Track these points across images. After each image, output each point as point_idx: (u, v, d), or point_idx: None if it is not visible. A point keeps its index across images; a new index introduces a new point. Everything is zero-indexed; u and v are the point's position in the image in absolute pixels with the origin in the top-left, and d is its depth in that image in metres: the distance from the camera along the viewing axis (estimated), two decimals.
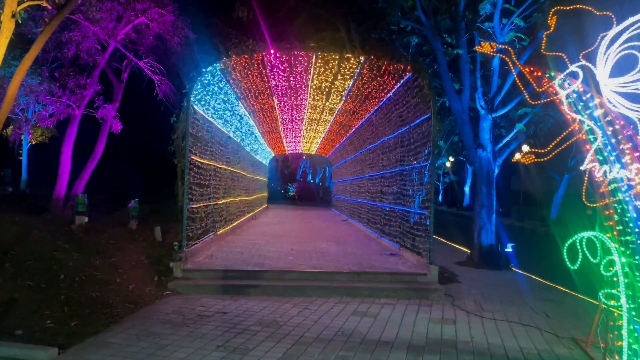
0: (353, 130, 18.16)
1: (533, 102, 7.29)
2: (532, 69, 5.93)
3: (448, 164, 43.24)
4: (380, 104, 12.88)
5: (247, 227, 18.22)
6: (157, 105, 14.04)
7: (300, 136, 23.63)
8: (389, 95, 11.78)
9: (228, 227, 14.61)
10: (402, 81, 10.43)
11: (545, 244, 22.11)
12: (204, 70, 9.71)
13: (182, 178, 9.65)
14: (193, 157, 10.15)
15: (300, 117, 17.82)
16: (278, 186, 52.72)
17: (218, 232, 13.02)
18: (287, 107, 15.67)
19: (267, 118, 17.50)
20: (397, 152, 12.90)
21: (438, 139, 9.78)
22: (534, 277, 11.77)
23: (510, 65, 6.28)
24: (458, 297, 9.15)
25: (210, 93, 10.93)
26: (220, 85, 11.13)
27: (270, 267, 9.77)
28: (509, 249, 12.64)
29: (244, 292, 8.73)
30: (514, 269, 12.57)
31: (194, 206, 10.36)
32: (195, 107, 10.15)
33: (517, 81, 6.52)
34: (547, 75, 5.84)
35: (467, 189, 43.77)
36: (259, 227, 18.35)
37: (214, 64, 9.79)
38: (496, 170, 13.02)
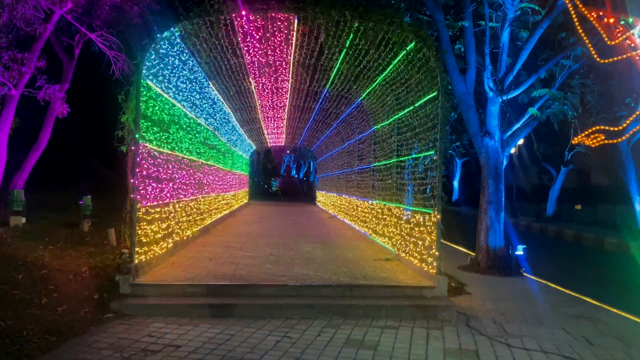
0: (340, 118, 16.39)
1: (601, 60, 5.57)
2: (601, 13, 4.21)
3: (436, 157, 41.73)
4: (373, 84, 11.11)
5: (222, 226, 16.37)
6: (117, 87, 12.06)
7: (282, 127, 21.79)
8: (384, 73, 10.01)
9: (198, 228, 12.76)
10: (402, 53, 8.66)
11: (546, 242, 20.66)
12: (158, 35, 7.84)
13: (133, 170, 7.79)
14: (147, 145, 8.28)
15: (282, 104, 15.98)
16: (261, 181, 50.88)
17: (185, 235, 11.17)
18: (266, 90, 13.83)
19: (244, 104, 15.63)
20: (392, 141, 11.16)
21: (446, 121, 8.05)
22: (550, 284, 10.17)
23: (570, 7, 4.54)
24: (473, 316, 7.46)
25: (170, 67, 9.06)
26: (183, 59, 9.27)
27: (242, 279, 7.97)
28: (519, 252, 11.01)
29: (207, 314, 6.93)
30: (525, 274, 10.95)
31: (149, 204, 8.50)
32: (150, 83, 8.27)
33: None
34: (622, 22, 4.15)
35: (455, 183, 42.31)
36: (237, 227, 16.52)
37: (171, 29, 7.93)
38: (505, 162, 11.37)
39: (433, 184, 8.33)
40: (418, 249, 8.93)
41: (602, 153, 26.22)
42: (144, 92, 8.09)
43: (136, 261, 7.66)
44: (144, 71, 7.91)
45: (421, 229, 8.85)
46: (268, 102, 15.71)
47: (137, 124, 7.77)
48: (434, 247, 8.13)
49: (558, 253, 17.12)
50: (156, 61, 8.35)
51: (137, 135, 7.73)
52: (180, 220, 10.94)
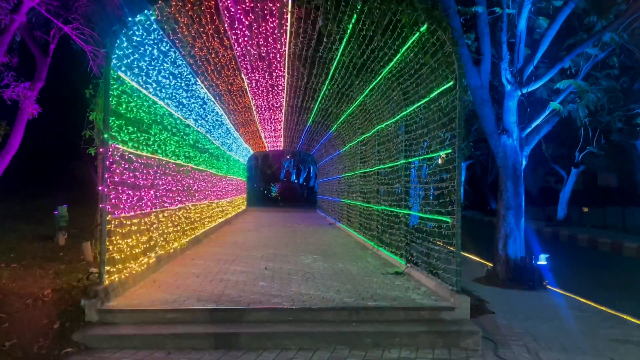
0: (341, 119, 15.32)
1: None
2: None
3: (440, 161, 40.60)
4: (378, 78, 10.04)
5: (216, 236, 15.26)
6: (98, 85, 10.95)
7: (280, 129, 20.73)
8: (391, 63, 8.94)
9: (187, 239, 11.66)
10: (413, 38, 7.57)
11: (561, 248, 19.51)
12: (130, 19, 6.77)
13: (101, 175, 6.71)
14: (120, 147, 7.20)
15: (278, 104, 14.92)
16: (260, 187, 49.84)
17: (171, 247, 10.07)
18: (260, 89, 12.77)
19: (238, 105, 14.57)
20: (399, 141, 10.08)
21: (464, 115, 6.97)
22: (580, 299, 9.05)
23: None
24: (501, 342, 6.35)
25: (148, 59, 7.99)
26: (163, 49, 8.20)
27: (231, 301, 6.85)
28: (542, 262, 9.89)
29: (187, 345, 5.83)
30: (549, 287, 9.84)
31: (124, 215, 7.41)
32: (123, 75, 7.20)
33: None
34: None
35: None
36: (231, 236, 15.40)
37: (145, 11, 6.86)
38: (524, 162, 10.28)
39: (450, 188, 7.22)
40: (433, 263, 7.83)
41: (616, 153, 25.20)
42: (116, 86, 7.03)
43: (106, 282, 6.56)
44: (115, 61, 6.85)
45: (436, 239, 7.75)
46: (263, 102, 14.65)
47: (107, 122, 6.69)
48: (452, 260, 7.02)
49: (577, 260, 15.93)
50: (130, 50, 7.28)
51: (105, 135, 6.65)
52: (166, 231, 9.86)
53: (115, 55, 6.83)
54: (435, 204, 7.89)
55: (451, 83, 7.13)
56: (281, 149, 29.02)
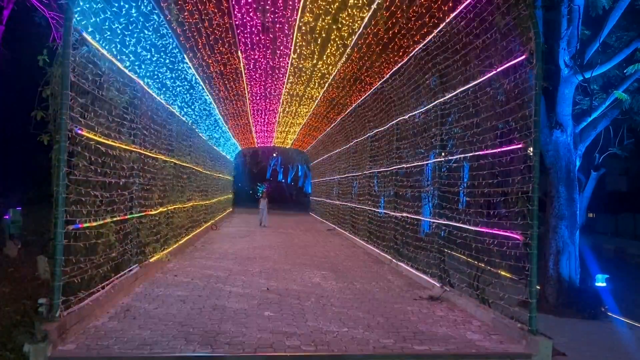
0: (350, 109, 13.56)
1: None
2: None
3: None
4: (406, 59, 8.29)
5: (202, 242, 13.40)
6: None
7: (274, 123, 18.92)
8: (428, 38, 7.20)
9: (169, 249, 9.80)
10: None
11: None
12: None
13: (57, 171, 4.87)
14: (84, 133, 5.35)
15: (277, 92, 13.11)
16: (245, 186, 47.93)
17: (149, 260, 8.23)
18: (258, 71, 10.96)
19: (230, 92, 12.72)
20: (431, 134, 8.34)
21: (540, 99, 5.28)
22: None
23: None
24: None
25: (124, 22, 6.14)
26: (144, 11, 6.35)
27: (230, 342, 5.03)
28: (601, 283, 8.28)
29: None
30: (610, 314, 8.21)
31: (89, 224, 5.55)
32: (90, 38, 5.35)
33: None
34: None
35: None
36: (220, 244, 13.51)
37: None
38: (577, 163, 8.66)
39: (521, 195, 5.50)
40: (491, 290, 6.12)
41: (631, 155, 23.79)
42: (80, 52, 5.19)
43: (61, 317, 4.72)
44: (77, 17, 5.00)
45: (495, 260, 6.04)
46: (260, 89, 12.83)
47: (66, 98, 4.84)
48: (524, 290, 5.32)
49: (616, 276, 14.09)
50: (100, 5, 5.44)
51: (62, 118, 4.80)
52: (144, 241, 8.01)
53: (79, 9, 4.99)
54: (491, 214, 6.19)
55: (523, 56, 5.42)
56: (272, 145, 27.18)
